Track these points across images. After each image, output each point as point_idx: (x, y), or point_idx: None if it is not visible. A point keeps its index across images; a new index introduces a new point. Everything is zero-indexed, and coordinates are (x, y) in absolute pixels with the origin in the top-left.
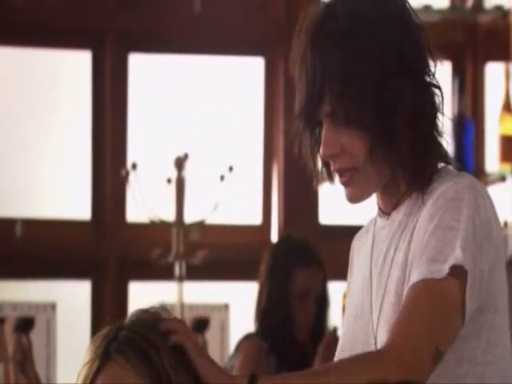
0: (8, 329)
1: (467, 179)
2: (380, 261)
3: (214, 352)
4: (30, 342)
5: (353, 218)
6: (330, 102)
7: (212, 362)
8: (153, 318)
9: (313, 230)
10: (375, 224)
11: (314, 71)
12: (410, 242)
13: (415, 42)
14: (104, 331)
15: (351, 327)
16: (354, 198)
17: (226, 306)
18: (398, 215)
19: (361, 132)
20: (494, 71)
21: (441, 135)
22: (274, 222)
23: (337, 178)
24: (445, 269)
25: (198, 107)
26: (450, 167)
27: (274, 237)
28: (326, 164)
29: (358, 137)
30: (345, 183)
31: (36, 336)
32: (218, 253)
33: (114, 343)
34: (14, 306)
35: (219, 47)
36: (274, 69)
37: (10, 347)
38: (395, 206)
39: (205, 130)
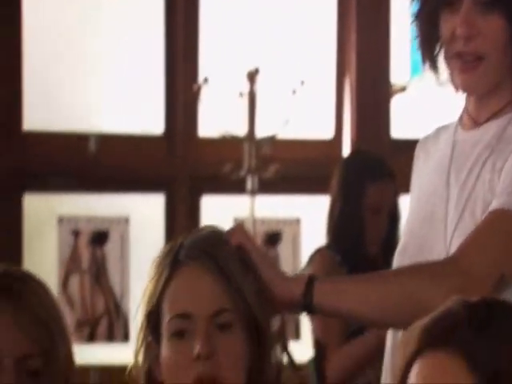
0: (83, 242)
1: None
2: (462, 175)
3: (285, 265)
4: (104, 255)
5: (424, 132)
6: None
7: (271, 262)
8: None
9: (384, 144)
10: (455, 133)
11: None
12: (500, 168)
13: None
14: (165, 248)
15: (417, 230)
16: (474, 86)
17: (297, 220)
18: (488, 132)
19: (503, 20)
20: None
21: None
22: (345, 136)
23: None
24: None
25: (271, 20)
26: None
27: (346, 151)
28: (439, 51)
29: (499, 23)
30: (469, 69)
31: (110, 249)
32: (290, 167)
33: (182, 251)
34: (89, 219)
35: None
36: None
37: (85, 260)
38: (490, 118)
39: (277, 43)
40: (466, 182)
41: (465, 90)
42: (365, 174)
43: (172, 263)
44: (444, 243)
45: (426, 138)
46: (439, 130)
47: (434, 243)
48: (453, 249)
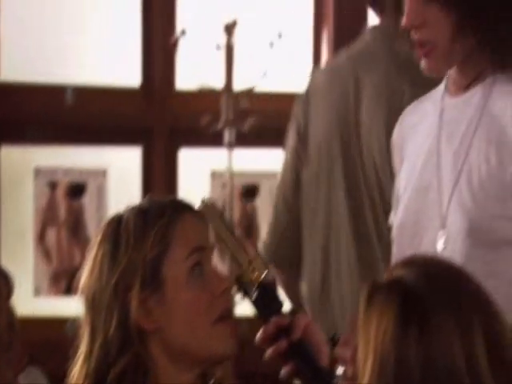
0: (60, 194)
1: None
2: (455, 141)
3: (263, 218)
4: (81, 207)
5: None
6: None
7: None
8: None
9: None
10: (442, 100)
11: None
12: (497, 141)
13: None
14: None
15: (413, 201)
16: (432, 70)
17: (274, 174)
18: (474, 95)
19: (447, 7)
20: None
21: None
22: None
23: None
24: None
25: None
26: None
27: None
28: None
29: (444, 12)
30: (423, 55)
31: (87, 201)
32: (267, 120)
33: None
34: (66, 171)
35: None
36: None
37: (62, 212)
38: (474, 82)
39: None
40: (458, 149)
41: (428, 73)
42: None
43: (168, 220)
44: (439, 212)
45: (413, 105)
46: (423, 98)
47: (430, 213)
48: (450, 217)
